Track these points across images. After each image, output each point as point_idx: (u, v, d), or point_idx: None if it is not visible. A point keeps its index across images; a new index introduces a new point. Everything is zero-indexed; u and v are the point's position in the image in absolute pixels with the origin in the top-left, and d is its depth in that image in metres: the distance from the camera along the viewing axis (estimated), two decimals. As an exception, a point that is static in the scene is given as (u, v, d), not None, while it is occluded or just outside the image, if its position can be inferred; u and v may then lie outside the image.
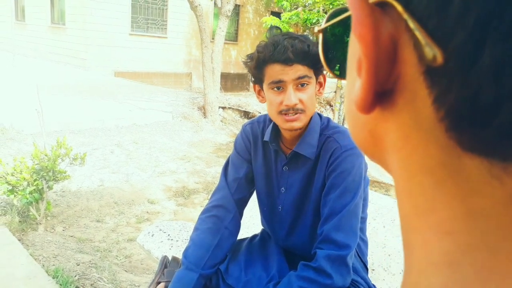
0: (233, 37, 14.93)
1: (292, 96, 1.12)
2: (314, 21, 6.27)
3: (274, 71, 1.13)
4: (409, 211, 0.23)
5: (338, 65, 0.30)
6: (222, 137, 7.26)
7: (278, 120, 1.19)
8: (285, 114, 1.15)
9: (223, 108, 8.57)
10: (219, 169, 5.05)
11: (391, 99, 0.22)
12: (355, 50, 0.23)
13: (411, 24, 0.19)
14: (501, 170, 0.18)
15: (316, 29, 0.29)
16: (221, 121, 8.13)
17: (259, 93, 1.25)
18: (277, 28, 1.26)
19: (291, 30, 6.54)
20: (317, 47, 1.23)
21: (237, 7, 14.18)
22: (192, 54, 13.80)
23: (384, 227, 1.73)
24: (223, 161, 5.55)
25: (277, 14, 10.95)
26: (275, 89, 1.15)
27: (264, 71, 1.16)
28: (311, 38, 1.18)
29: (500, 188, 0.19)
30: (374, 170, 5.17)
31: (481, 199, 0.19)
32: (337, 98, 6.33)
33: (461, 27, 0.17)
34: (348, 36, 0.26)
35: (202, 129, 7.37)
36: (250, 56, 1.22)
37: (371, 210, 1.67)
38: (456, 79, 0.18)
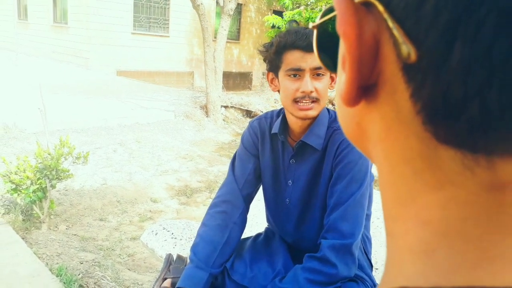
0: (235, 36, 14.92)
1: (309, 84, 1.14)
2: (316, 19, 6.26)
3: (294, 57, 1.15)
4: (392, 201, 0.24)
5: (331, 60, 0.31)
6: (224, 136, 7.27)
7: (293, 109, 1.19)
8: (300, 102, 1.16)
9: (225, 107, 8.57)
10: (222, 168, 5.06)
11: (374, 93, 0.23)
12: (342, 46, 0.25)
13: (390, 23, 0.20)
14: (472, 161, 0.20)
15: (311, 25, 0.30)
16: (223, 120, 8.14)
17: (272, 81, 1.25)
18: (296, 22, 1.27)
19: (293, 28, 6.54)
20: None
21: (239, 6, 14.18)
22: (194, 53, 13.81)
23: (388, 226, 1.73)
24: (226, 160, 5.55)
25: (279, 13, 10.93)
26: (292, 76, 1.16)
27: (283, 57, 1.17)
28: None
29: (472, 179, 0.20)
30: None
31: (455, 189, 0.20)
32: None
33: (433, 28, 0.18)
34: None
35: (205, 128, 7.37)
36: (268, 44, 1.23)
37: (374, 209, 1.66)
38: (429, 76, 0.19)
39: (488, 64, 0.17)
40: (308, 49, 1.12)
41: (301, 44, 1.13)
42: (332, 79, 1.21)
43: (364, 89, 0.23)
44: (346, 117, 0.27)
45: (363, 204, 1.19)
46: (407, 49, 0.19)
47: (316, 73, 1.15)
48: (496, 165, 0.19)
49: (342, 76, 0.23)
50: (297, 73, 1.15)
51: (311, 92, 1.15)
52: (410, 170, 0.22)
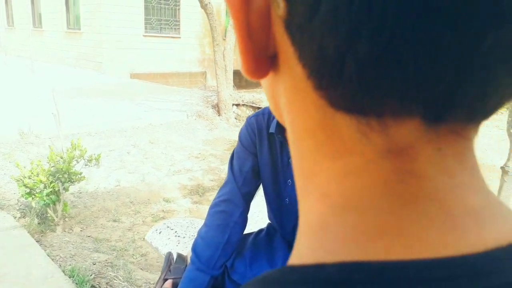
0: (246, 34, 14.93)
1: None
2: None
3: None
4: (299, 177, 0.22)
5: None
6: (236, 134, 7.26)
7: None
8: None
9: (237, 105, 8.57)
10: (234, 166, 5.07)
11: (276, 63, 0.21)
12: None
13: None
14: (366, 126, 0.18)
15: None
16: (235, 118, 8.14)
17: None
18: None
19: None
20: None
21: (249, 4, 14.17)
22: (206, 53, 13.86)
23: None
24: (237, 158, 5.56)
25: (289, 9, 10.86)
26: None
27: None
28: None
29: (368, 145, 0.18)
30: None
31: (353, 159, 0.19)
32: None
33: None
34: None
35: (217, 127, 7.39)
36: None
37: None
38: (305, 31, 0.17)
39: (355, 12, 0.15)
40: None
41: None
42: None
43: (271, 60, 0.21)
44: (264, 89, 0.25)
45: None
46: (279, 4, 0.17)
47: None
48: (390, 129, 0.17)
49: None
50: None
51: None
52: (313, 142, 0.20)
